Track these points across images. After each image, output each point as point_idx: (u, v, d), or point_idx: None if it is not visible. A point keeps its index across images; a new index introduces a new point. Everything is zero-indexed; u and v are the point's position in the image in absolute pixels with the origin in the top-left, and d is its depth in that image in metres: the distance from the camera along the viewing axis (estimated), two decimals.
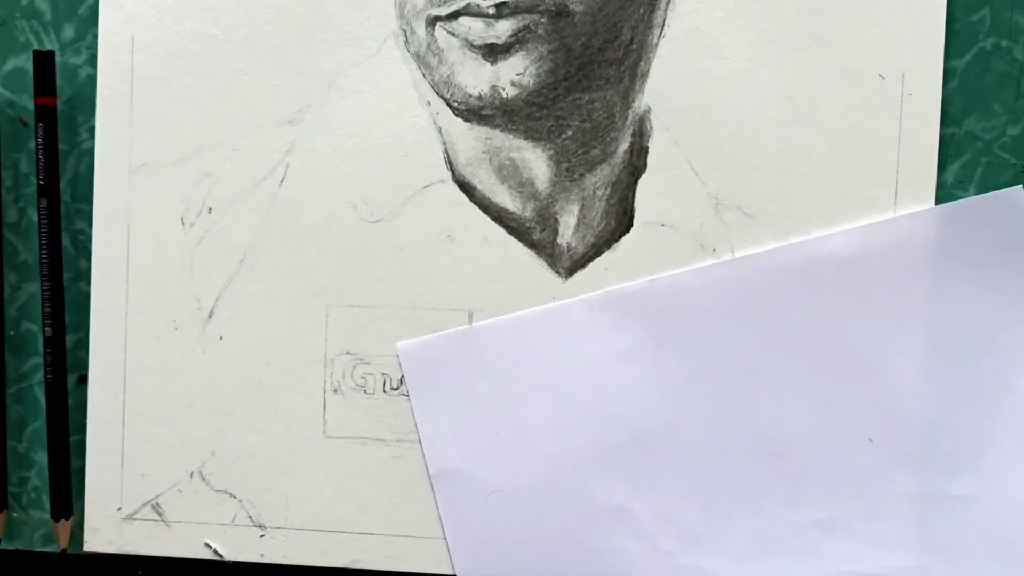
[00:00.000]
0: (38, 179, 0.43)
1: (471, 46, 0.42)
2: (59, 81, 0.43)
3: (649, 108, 0.42)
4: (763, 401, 0.42)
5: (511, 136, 0.42)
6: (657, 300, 0.42)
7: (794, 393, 0.42)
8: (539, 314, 0.42)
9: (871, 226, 0.42)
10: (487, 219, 0.43)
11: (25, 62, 0.43)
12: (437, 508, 0.43)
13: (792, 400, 0.42)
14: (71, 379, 0.44)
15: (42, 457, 0.44)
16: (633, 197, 0.42)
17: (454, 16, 0.42)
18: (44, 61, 0.42)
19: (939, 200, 0.42)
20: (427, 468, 0.43)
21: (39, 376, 0.44)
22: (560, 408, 0.41)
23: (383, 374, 0.43)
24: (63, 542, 0.44)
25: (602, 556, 0.42)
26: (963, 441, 0.42)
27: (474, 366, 0.43)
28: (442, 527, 0.43)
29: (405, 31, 0.42)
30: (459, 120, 0.42)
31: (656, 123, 0.42)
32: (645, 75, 0.42)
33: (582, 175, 0.42)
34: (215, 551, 0.44)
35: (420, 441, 0.43)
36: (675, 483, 0.42)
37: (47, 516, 0.44)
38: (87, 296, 0.43)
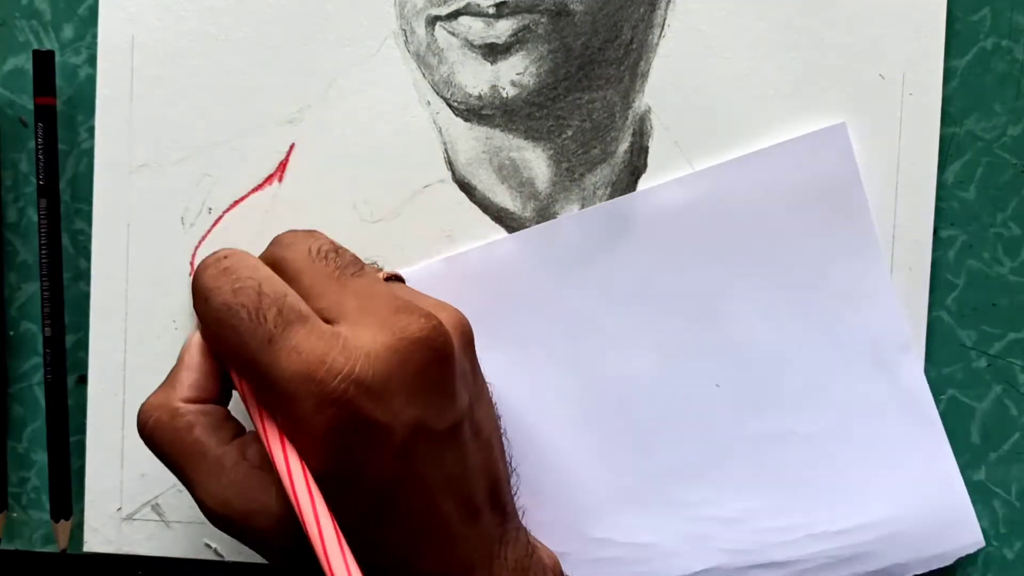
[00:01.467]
0: (38, 179, 0.43)
1: (471, 46, 0.42)
2: (59, 81, 0.43)
3: (649, 108, 0.42)
4: (608, 354, 0.42)
5: (511, 136, 0.42)
6: (499, 261, 0.42)
7: (638, 345, 0.42)
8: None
9: (698, 173, 0.42)
10: (487, 219, 0.43)
11: (25, 62, 0.43)
12: None
13: (636, 352, 0.42)
14: (71, 379, 0.44)
15: (42, 457, 0.44)
16: None
17: (454, 16, 0.42)
18: (44, 61, 0.42)
19: (939, 200, 0.42)
20: None
21: (39, 376, 0.44)
22: None
23: None
24: (63, 542, 0.44)
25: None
26: (809, 379, 0.42)
27: None
28: None
29: (405, 31, 0.42)
30: (459, 120, 0.42)
31: (656, 123, 0.42)
32: (645, 75, 0.42)
33: (582, 175, 0.42)
34: (215, 551, 0.43)
35: None
36: (525, 440, 0.42)
37: (47, 516, 0.44)
38: (87, 296, 0.43)
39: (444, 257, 0.42)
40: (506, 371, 0.42)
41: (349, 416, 0.31)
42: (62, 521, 0.43)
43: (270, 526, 0.33)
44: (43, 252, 0.43)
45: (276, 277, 0.33)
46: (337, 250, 0.35)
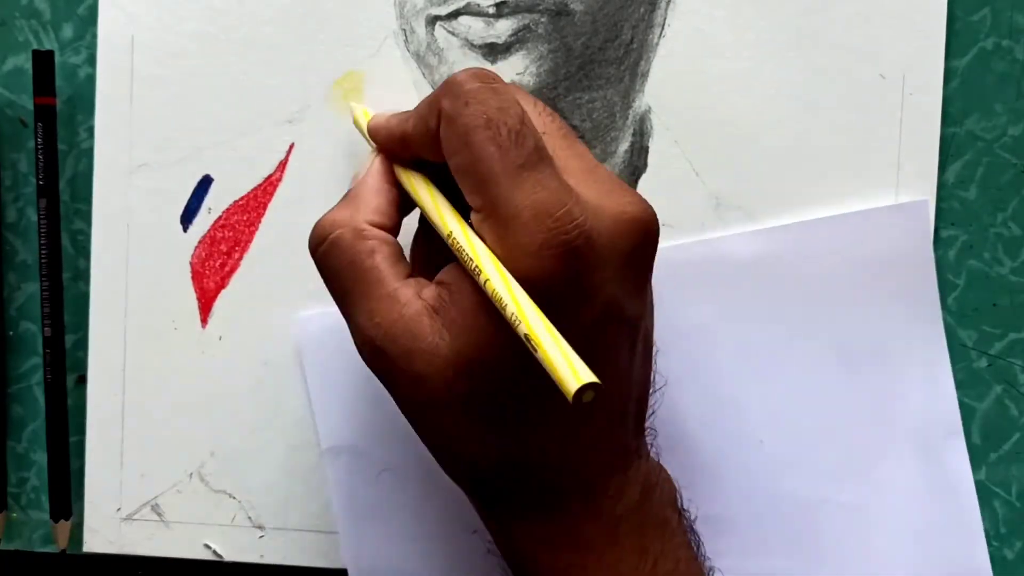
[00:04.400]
0: (37, 179, 0.43)
1: (471, 45, 0.42)
2: (58, 81, 0.43)
3: (649, 108, 0.42)
4: (657, 396, 0.42)
5: None
6: None
7: (687, 390, 0.42)
8: None
9: (770, 230, 0.42)
10: None
11: (24, 62, 0.43)
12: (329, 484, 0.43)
13: (686, 397, 0.42)
14: (70, 379, 0.44)
15: (41, 457, 0.44)
16: None
17: (454, 15, 0.42)
18: (43, 61, 0.42)
19: (940, 200, 0.42)
20: (318, 444, 0.43)
21: (38, 376, 0.44)
22: None
23: None
24: (62, 543, 0.44)
25: (488, 537, 0.42)
26: (853, 449, 0.42)
27: None
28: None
29: (405, 31, 0.42)
30: None
31: (656, 123, 0.42)
32: (645, 75, 0.42)
33: None
34: (214, 552, 0.43)
35: (313, 415, 0.43)
36: None
37: (46, 516, 0.44)
38: (86, 296, 0.43)
39: None
40: None
41: (567, 265, 0.30)
42: (62, 521, 0.43)
43: (432, 369, 0.32)
44: (43, 252, 0.43)
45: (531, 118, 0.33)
46: (556, 113, 0.35)
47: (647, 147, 0.42)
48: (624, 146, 0.42)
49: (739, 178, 0.42)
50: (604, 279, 0.31)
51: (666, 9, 0.42)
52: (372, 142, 0.37)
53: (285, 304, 0.43)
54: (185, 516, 0.44)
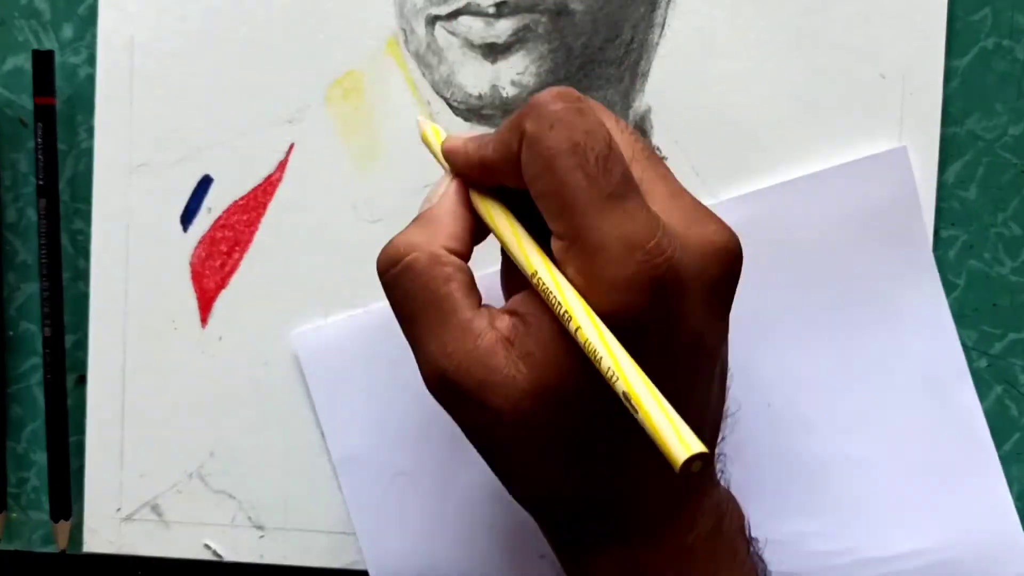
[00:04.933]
0: (37, 179, 0.42)
1: (471, 45, 0.42)
2: (58, 81, 0.43)
3: (650, 108, 0.42)
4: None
5: None
6: None
7: None
8: None
9: (756, 193, 0.42)
10: None
11: (24, 62, 0.43)
12: (342, 494, 0.43)
13: None
14: (70, 379, 0.44)
15: (41, 457, 0.44)
16: None
17: (454, 15, 0.42)
18: (43, 61, 0.42)
19: (940, 200, 0.42)
20: (329, 455, 0.43)
21: (38, 376, 0.44)
22: None
23: None
24: (62, 543, 0.44)
25: (508, 533, 0.41)
26: (862, 402, 0.42)
27: (372, 348, 0.42)
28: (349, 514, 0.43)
29: (405, 30, 0.42)
30: (459, 120, 0.42)
31: (656, 122, 0.42)
32: (646, 74, 0.42)
33: None
34: (214, 552, 0.43)
35: (320, 428, 0.43)
36: None
37: (46, 517, 0.44)
38: (86, 296, 0.43)
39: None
40: None
41: (656, 299, 0.29)
42: (61, 521, 0.43)
43: (509, 402, 0.30)
44: (42, 252, 0.43)
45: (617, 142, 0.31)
46: (638, 132, 0.33)
47: None
48: None
49: (738, 178, 0.42)
50: (689, 310, 0.31)
51: (666, 9, 0.42)
52: (445, 165, 0.35)
53: (285, 304, 0.43)
54: (185, 516, 0.43)
